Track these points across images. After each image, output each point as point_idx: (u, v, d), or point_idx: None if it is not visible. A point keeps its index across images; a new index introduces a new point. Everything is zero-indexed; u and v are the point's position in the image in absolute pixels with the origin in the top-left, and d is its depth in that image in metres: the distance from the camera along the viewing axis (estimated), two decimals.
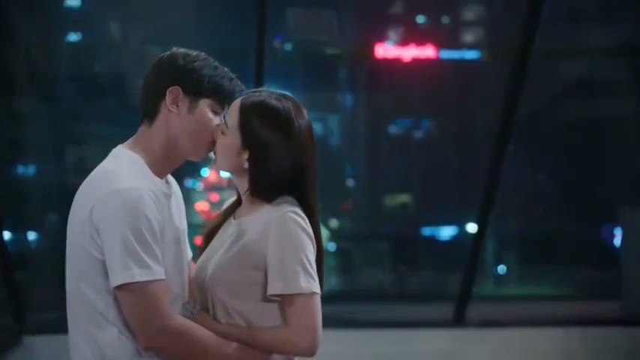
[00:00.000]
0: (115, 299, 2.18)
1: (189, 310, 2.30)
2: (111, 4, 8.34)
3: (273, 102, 2.32)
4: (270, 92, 2.35)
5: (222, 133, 2.33)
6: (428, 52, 9.10)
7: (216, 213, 2.54)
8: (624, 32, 8.38)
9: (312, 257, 2.24)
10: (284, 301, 2.22)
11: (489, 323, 6.35)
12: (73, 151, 8.38)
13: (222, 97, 2.34)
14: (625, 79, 8.64)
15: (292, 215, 2.25)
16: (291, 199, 2.30)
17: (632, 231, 6.62)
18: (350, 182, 10.24)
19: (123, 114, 8.08)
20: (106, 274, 2.17)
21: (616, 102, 8.77)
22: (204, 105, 2.32)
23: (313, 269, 2.23)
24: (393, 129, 10.09)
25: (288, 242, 2.22)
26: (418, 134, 10.33)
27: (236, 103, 2.35)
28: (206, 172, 9.70)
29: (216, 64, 2.36)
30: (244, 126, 2.31)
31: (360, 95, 9.99)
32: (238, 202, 2.44)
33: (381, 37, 9.17)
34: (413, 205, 10.07)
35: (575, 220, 9.13)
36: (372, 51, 9.00)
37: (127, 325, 2.19)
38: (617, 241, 9.27)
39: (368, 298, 8.23)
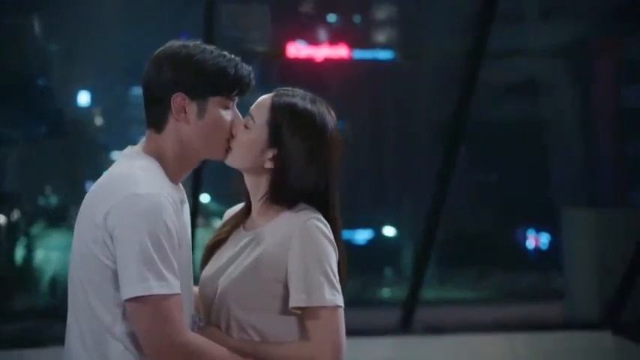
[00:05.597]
0: (123, 313, 2.01)
1: (194, 322, 2.13)
2: None
3: (308, 105, 2.14)
4: (304, 93, 2.16)
5: (246, 127, 2.14)
6: (341, 51, 8.99)
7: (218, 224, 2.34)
8: (565, 33, 8.52)
9: (336, 268, 2.06)
10: (306, 314, 2.04)
11: (435, 329, 6.25)
12: None
13: (229, 91, 2.13)
14: (564, 80, 8.80)
15: (316, 222, 2.06)
16: (310, 207, 2.12)
17: (573, 233, 6.62)
18: None
19: (24, 116, 7.66)
20: (116, 284, 2.00)
21: (554, 103, 8.92)
22: (213, 105, 2.12)
23: (337, 281, 2.06)
24: None
25: (312, 251, 2.04)
26: None
27: (267, 100, 2.15)
28: None
29: (215, 52, 2.13)
30: (274, 125, 2.12)
31: None
32: (247, 211, 2.23)
33: (293, 36, 9.01)
34: None
35: (502, 222, 9.24)
36: (283, 50, 8.81)
37: (132, 341, 2.02)
38: (530, 243, 9.44)
39: None
